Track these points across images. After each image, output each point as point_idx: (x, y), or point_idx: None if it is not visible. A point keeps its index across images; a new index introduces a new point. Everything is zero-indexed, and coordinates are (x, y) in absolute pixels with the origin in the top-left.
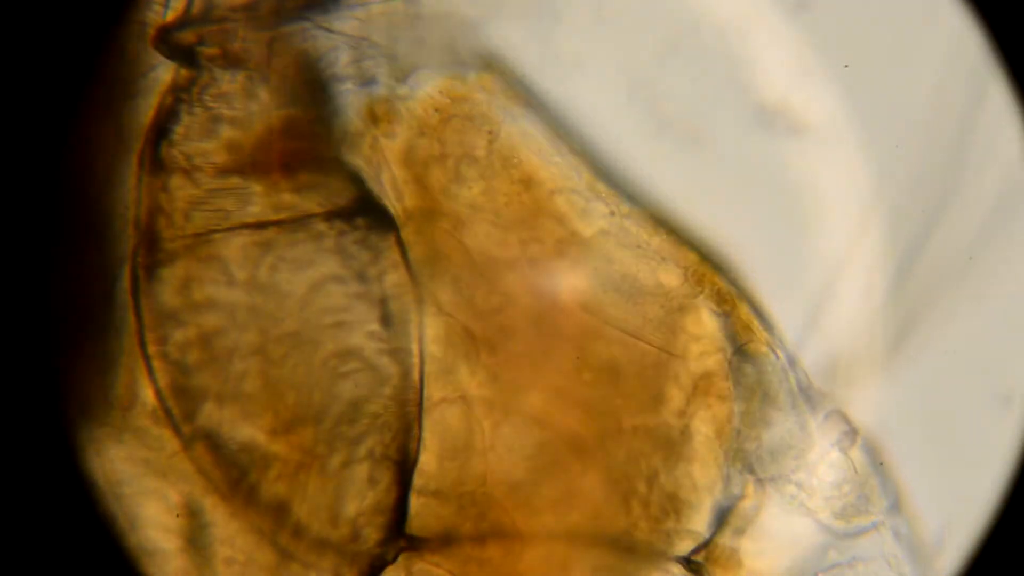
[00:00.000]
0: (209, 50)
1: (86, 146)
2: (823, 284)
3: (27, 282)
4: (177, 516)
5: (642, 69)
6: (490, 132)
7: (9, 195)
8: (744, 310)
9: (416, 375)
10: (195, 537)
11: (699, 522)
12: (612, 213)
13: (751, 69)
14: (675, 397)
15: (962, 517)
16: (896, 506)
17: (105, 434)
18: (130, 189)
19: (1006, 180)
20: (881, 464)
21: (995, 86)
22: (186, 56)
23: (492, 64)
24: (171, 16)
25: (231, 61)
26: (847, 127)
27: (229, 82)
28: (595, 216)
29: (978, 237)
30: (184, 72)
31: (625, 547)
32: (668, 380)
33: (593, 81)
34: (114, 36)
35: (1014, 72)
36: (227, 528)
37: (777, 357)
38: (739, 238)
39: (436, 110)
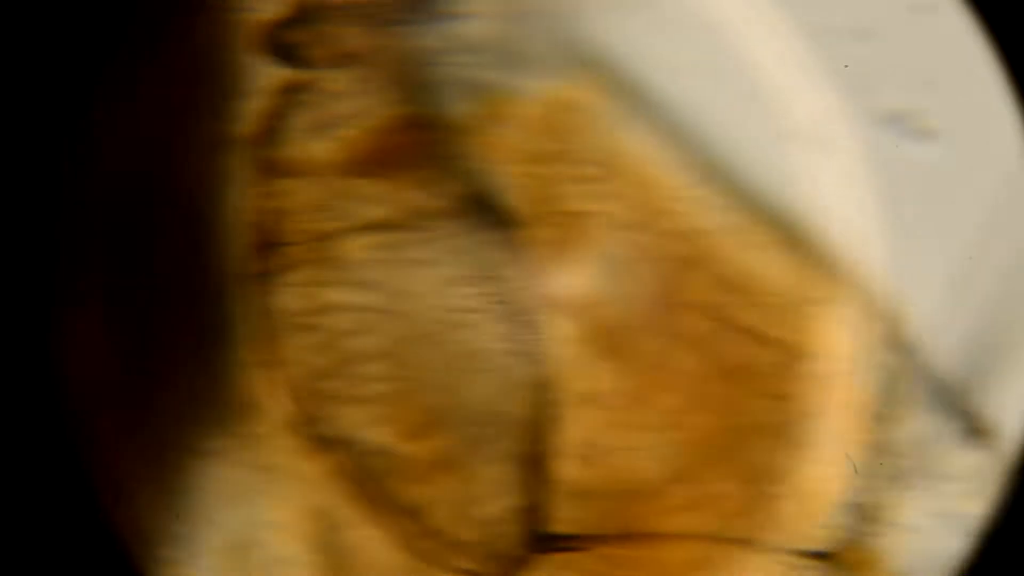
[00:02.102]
0: (319, 50)
1: (188, 152)
2: (960, 276)
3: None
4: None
5: (765, 72)
6: (607, 132)
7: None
8: (876, 307)
9: (546, 375)
10: (326, 542)
11: (832, 518)
12: (733, 213)
13: (873, 72)
14: (803, 396)
15: None
16: None
17: (229, 441)
18: (246, 195)
19: None
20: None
21: None
22: (296, 57)
23: (611, 64)
24: (276, 18)
25: (342, 60)
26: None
27: (339, 81)
28: (715, 216)
29: None
30: (294, 73)
31: (759, 544)
32: (798, 378)
33: (716, 83)
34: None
35: (1014, 72)
36: (360, 533)
37: (913, 352)
38: (868, 236)
39: (552, 109)
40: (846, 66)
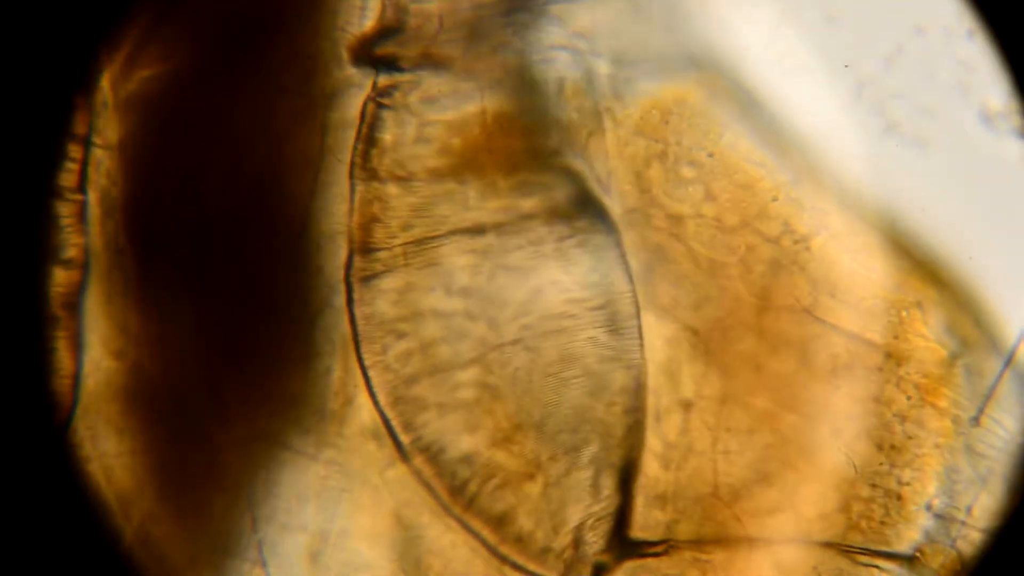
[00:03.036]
0: (412, 55)
1: (286, 160)
2: None
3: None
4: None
5: (869, 70)
6: (710, 133)
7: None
8: (969, 313)
9: (641, 379)
10: (406, 549)
11: (919, 523)
12: (834, 216)
13: (976, 70)
14: (898, 400)
15: None
16: None
17: (317, 446)
18: (342, 201)
19: None
20: None
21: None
22: (389, 64)
23: (714, 63)
24: (369, 26)
25: (436, 63)
26: None
27: (435, 85)
28: (816, 220)
29: None
30: (387, 79)
31: (846, 548)
32: (891, 383)
33: (820, 83)
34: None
35: (1014, 72)
36: (441, 540)
37: (1006, 362)
38: (966, 240)
39: (655, 109)
40: (846, 66)
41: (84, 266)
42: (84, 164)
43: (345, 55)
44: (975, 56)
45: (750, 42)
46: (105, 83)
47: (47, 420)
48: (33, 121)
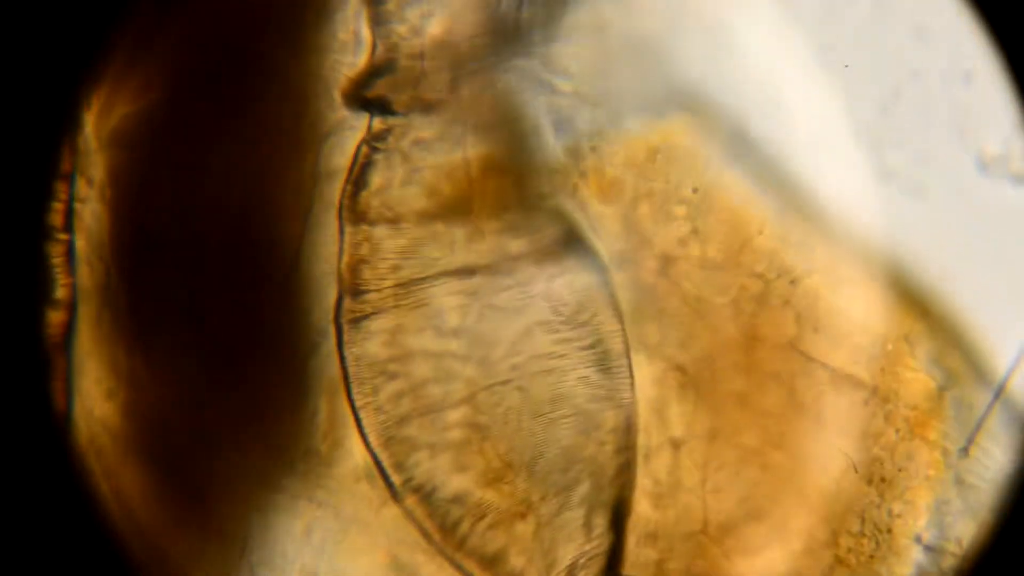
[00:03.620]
0: (403, 97)
1: (275, 201)
2: None
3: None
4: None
5: (865, 115)
6: (697, 171)
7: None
8: (956, 346)
9: (631, 418)
10: None
11: (910, 556)
12: (820, 251)
13: (973, 115)
14: (887, 433)
15: None
16: None
17: (310, 487)
18: (331, 243)
19: None
20: None
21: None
22: (380, 106)
23: (701, 101)
24: (360, 65)
25: (426, 106)
26: None
27: (425, 128)
28: (802, 255)
29: None
30: (378, 121)
31: None
32: (879, 416)
33: (815, 127)
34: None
35: (1014, 72)
36: None
37: (995, 394)
38: (959, 283)
39: (641, 148)
40: (846, 66)
41: (72, 306)
42: (70, 203)
43: (336, 96)
44: (972, 101)
45: (739, 81)
46: (88, 120)
47: (49, 454)
48: (18, 161)
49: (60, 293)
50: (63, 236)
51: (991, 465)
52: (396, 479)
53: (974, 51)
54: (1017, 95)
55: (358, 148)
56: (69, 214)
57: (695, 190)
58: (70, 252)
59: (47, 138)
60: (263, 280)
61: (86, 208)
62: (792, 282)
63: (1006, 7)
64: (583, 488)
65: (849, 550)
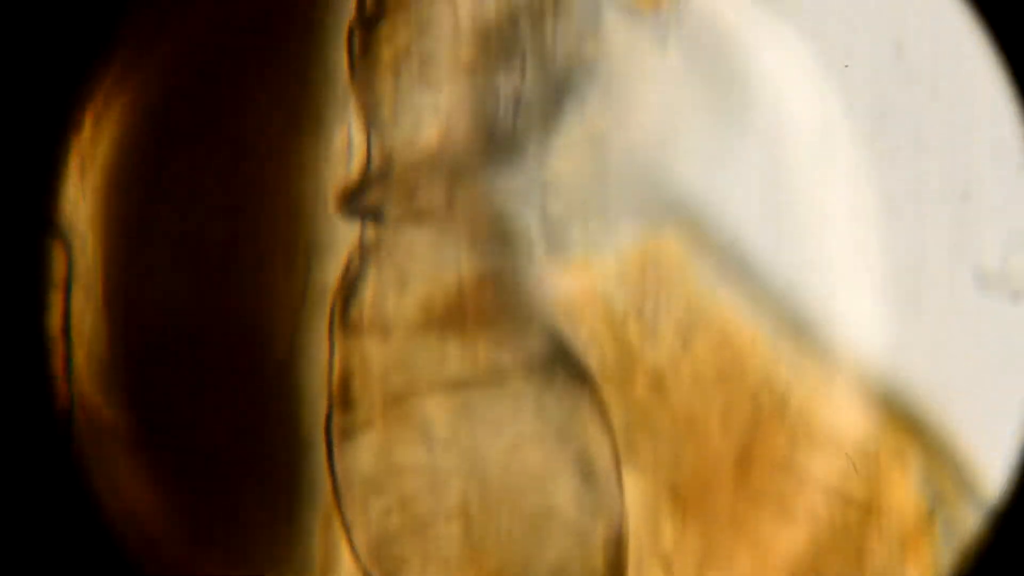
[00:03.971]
0: (396, 207)
1: (265, 311)
2: None
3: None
4: None
5: (863, 231)
6: (688, 286)
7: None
8: (948, 465)
9: (621, 534)
10: None
11: None
12: (812, 368)
13: (972, 231)
14: (879, 551)
15: None
16: None
17: None
18: (321, 354)
19: None
20: None
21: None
22: (373, 215)
23: (693, 215)
24: (354, 173)
25: (418, 217)
26: None
27: (417, 238)
28: (794, 373)
29: None
30: (371, 231)
31: None
32: (872, 534)
33: (811, 243)
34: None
35: (1014, 72)
36: None
37: (987, 505)
38: (950, 396)
39: (632, 260)
40: (846, 65)
41: (69, 422)
42: (67, 316)
43: (330, 205)
44: (970, 217)
45: (734, 195)
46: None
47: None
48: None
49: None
50: (60, 344)
51: None
52: None
53: (972, 167)
54: (1018, 100)
55: (350, 258)
56: (67, 321)
57: (688, 308)
58: (68, 362)
59: (46, 144)
60: (254, 394)
61: (84, 321)
62: (784, 399)
63: (1006, 8)
64: None
65: None
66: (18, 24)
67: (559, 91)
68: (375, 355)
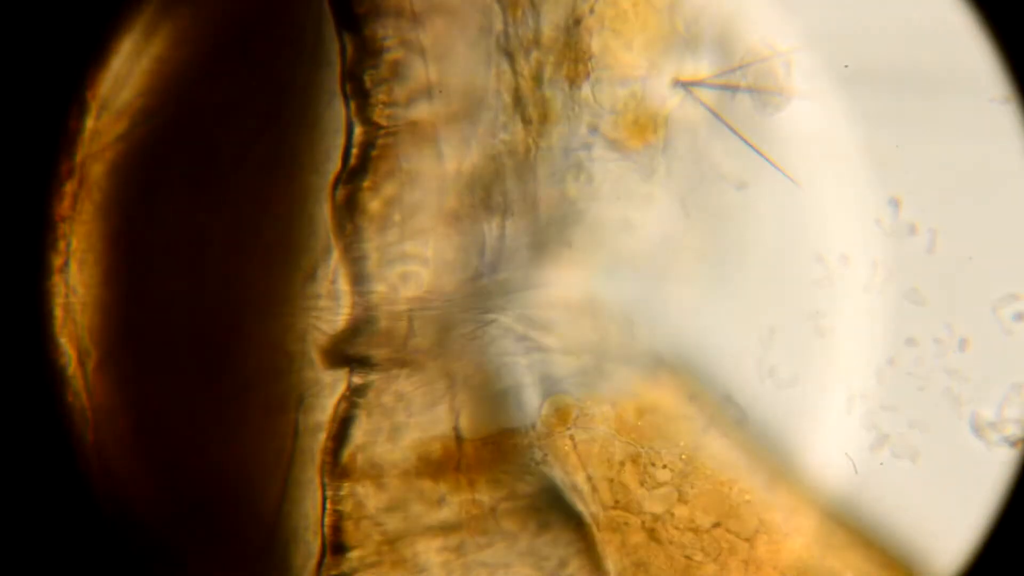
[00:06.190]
0: (382, 355)
1: (253, 458)
2: None
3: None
4: None
5: (859, 382)
6: (683, 435)
7: None
8: None
9: None
10: None
11: None
12: (808, 518)
13: (969, 380)
14: None
15: None
16: None
17: None
18: (313, 500)
19: None
20: None
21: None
22: (362, 363)
23: (689, 365)
24: (342, 327)
25: (407, 364)
26: None
27: (406, 384)
28: (787, 517)
29: None
30: (358, 377)
31: None
32: None
33: (807, 391)
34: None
35: (1014, 72)
36: None
37: None
38: (941, 532)
39: (627, 409)
40: (846, 65)
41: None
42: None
43: (316, 355)
44: (966, 367)
45: (729, 343)
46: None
47: None
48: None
49: None
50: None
51: None
52: None
53: (970, 316)
54: (1019, 102)
55: (337, 404)
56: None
57: (683, 457)
58: None
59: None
60: (244, 539)
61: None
62: (779, 546)
63: (1006, 9)
64: None
65: None
66: (18, 24)
67: (546, 233)
68: (368, 499)
